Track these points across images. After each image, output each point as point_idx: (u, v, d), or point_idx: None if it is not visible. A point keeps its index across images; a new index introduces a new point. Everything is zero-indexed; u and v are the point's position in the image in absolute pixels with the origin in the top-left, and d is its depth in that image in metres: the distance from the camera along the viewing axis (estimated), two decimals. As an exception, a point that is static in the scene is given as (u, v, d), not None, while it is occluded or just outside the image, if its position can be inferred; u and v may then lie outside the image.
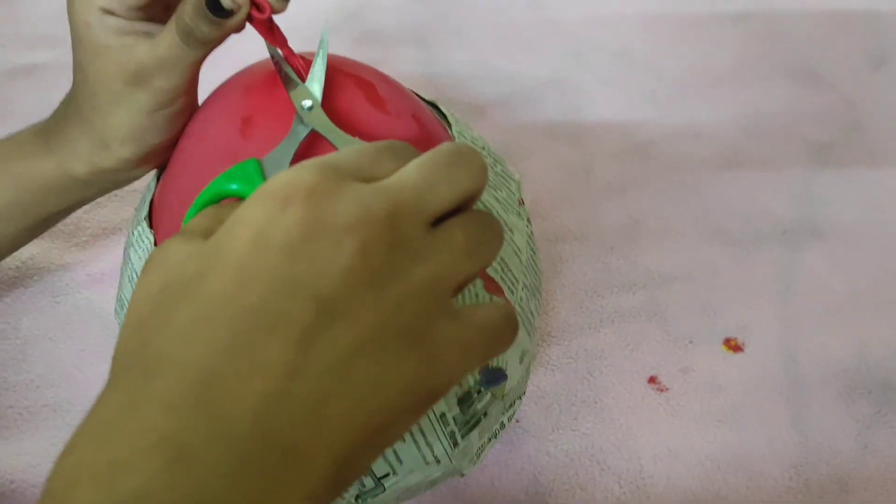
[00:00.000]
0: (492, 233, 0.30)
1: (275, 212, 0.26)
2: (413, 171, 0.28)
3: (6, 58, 0.85)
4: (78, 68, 0.43)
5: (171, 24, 0.40)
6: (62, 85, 0.80)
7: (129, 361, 0.26)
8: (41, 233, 0.53)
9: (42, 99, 0.79)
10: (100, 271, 0.65)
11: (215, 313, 0.25)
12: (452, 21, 0.92)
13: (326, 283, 0.25)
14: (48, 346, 0.61)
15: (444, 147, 0.29)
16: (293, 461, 0.24)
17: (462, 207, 0.29)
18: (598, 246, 0.70)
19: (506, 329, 0.29)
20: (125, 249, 0.49)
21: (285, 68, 0.40)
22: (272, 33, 0.40)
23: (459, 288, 0.29)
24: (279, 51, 0.41)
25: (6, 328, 0.62)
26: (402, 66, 0.86)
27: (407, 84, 0.83)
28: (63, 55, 0.84)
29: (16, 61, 0.84)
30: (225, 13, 0.38)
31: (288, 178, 0.27)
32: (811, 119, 0.82)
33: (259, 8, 0.38)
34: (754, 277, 0.68)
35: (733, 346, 0.63)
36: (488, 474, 0.55)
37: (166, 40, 0.40)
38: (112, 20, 0.40)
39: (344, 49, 0.86)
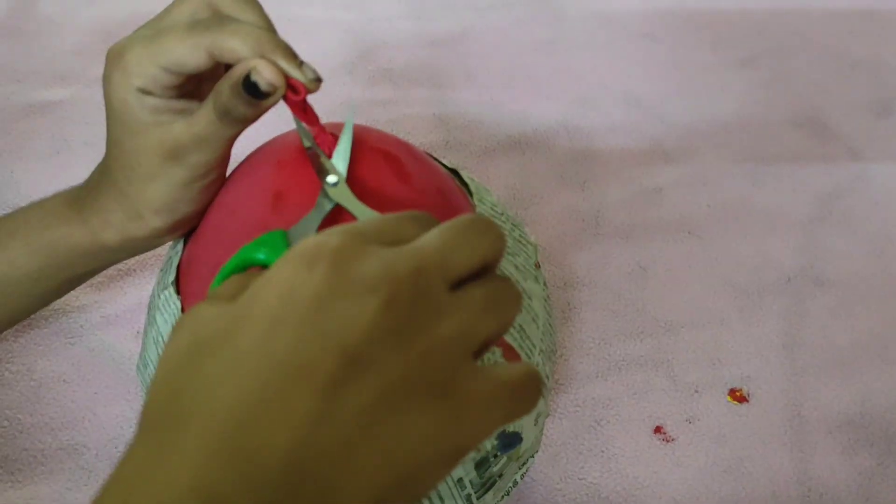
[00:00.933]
0: (510, 295, 0.31)
1: (302, 271, 0.27)
2: (435, 236, 0.30)
3: (23, 94, 0.85)
4: (114, 143, 0.44)
5: (209, 103, 0.41)
6: (77, 122, 0.82)
7: (157, 415, 0.26)
8: (68, 291, 0.53)
9: (57, 135, 0.81)
10: (114, 313, 0.66)
11: (243, 365, 0.26)
12: (464, 63, 0.93)
13: (353, 335, 0.26)
14: (62, 389, 0.61)
15: (464, 216, 0.31)
16: None
17: (481, 274, 0.30)
18: (606, 293, 0.70)
19: (529, 387, 0.30)
20: (149, 311, 0.49)
21: (316, 148, 0.42)
22: (305, 113, 0.41)
23: (482, 348, 0.29)
24: (309, 131, 0.42)
25: (21, 370, 0.62)
26: (413, 106, 0.87)
27: (418, 125, 0.84)
28: (78, 92, 0.86)
29: (32, 98, 0.85)
30: (262, 95, 0.39)
31: (315, 241, 0.28)
32: (816, 167, 0.83)
33: (294, 90, 0.39)
34: (759, 327, 0.69)
35: (738, 396, 0.64)
36: (496, 523, 0.56)
37: (203, 118, 0.41)
38: (149, 99, 0.41)
39: (356, 88, 0.88)
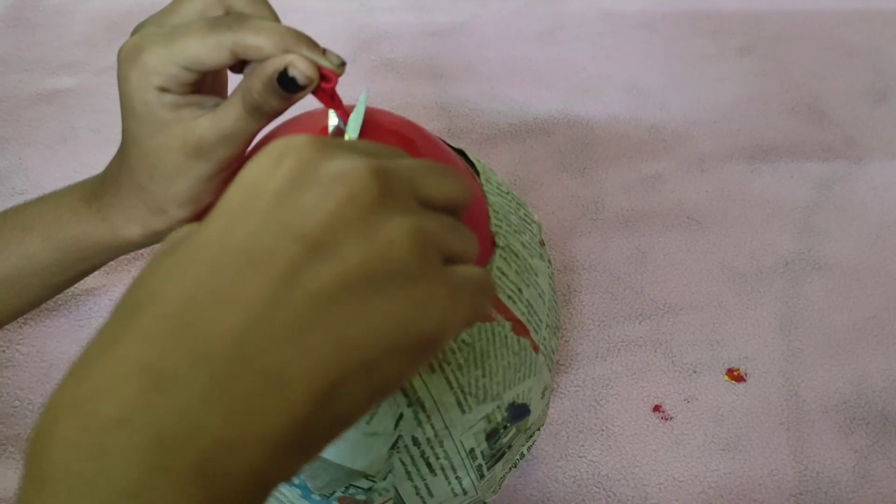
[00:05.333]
0: (472, 235, 0.31)
1: (269, 166, 0.28)
2: (408, 160, 0.30)
3: (30, 83, 0.86)
4: (133, 141, 0.44)
5: (235, 99, 0.41)
6: (84, 109, 0.83)
7: (120, 306, 0.27)
8: (83, 278, 0.53)
9: (65, 123, 0.82)
10: (124, 296, 0.67)
11: (200, 254, 0.26)
12: (465, 53, 0.94)
13: (314, 224, 0.26)
14: (73, 369, 0.62)
15: (437, 163, 0.32)
16: (273, 385, 0.24)
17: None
18: (605, 277, 0.71)
19: (487, 286, 0.30)
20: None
21: (342, 125, 0.43)
22: (332, 101, 0.41)
23: (447, 257, 0.29)
24: (336, 113, 0.43)
25: (31, 351, 0.63)
26: (415, 95, 0.88)
27: (420, 113, 0.85)
28: (85, 80, 0.87)
29: (40, 87, 0.86)
30: (298, 88, 0.39)
31: (285, 140, 0.29)
32: (814, 154, 0.84)
33: (326, 78, 0.40)
34: (757, 310, 0.70)
35: (736, 376, 0.65)
36: (498, 501, 0.57)
37: (231, 115, 0.41)
38: (167, 97, 0.41)
39: (359, 77, 0.89)
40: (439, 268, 0.28)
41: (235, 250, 0.26)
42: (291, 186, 0.27)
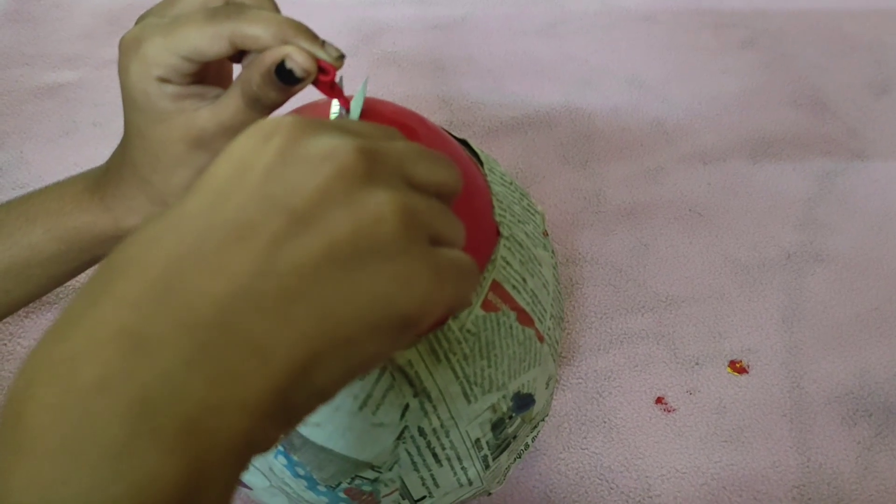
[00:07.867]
0: (458, 222, 0.31)
1: (258, 143, 0.28)
2: (397, 143, 0.30)
3: (32, 77, 0.86)
4: (135, 132, 0.43)
5: (235, 91, 0.41)
6: (85, 103, 0.83)
7: (101, 268, 0.26)
8: (85, 269, 0.53)
9: (66, 116, 0.82)
10: (125, 290, 0.66)
11: (186, 224, 0.26)
12: (467, 47, 0.94)
13: (301, 199, 0.26)
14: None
15: (429, 148, 0.32)
16: (256, 352, 0.24)
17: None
18: (608, 269, 0.71)
19: (472, 272, 0.30)
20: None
21: (342, 113, 0.43)
22: (333, 90, 0.41)
23: (434, 239, 0.29)
24: (338, 102, 0.43)
25: (31, 345, 0.62)
26: (417, 88, 0.88)
27: (422, 106, 0.85)
28: (86, 74, 0.87)
29: (41, 80, 0.86)
30: (296, 81, 0.39)
31: (274, 119, 0.29)
32: (816, 146, 0.84)
33: (324, 71, 0.39)
34: (759, 302, 0.70)
35: (738, 368, 0.65)
36: (502, 493, 0.57)
37: (230, 107, 0.41)
38: (168, 87, 0.41)
39: (361, 70, 0.89)
40: (425, 247, 0.28)
41: (222, 222, 0.26)
42: (280, 162, 0.27)
